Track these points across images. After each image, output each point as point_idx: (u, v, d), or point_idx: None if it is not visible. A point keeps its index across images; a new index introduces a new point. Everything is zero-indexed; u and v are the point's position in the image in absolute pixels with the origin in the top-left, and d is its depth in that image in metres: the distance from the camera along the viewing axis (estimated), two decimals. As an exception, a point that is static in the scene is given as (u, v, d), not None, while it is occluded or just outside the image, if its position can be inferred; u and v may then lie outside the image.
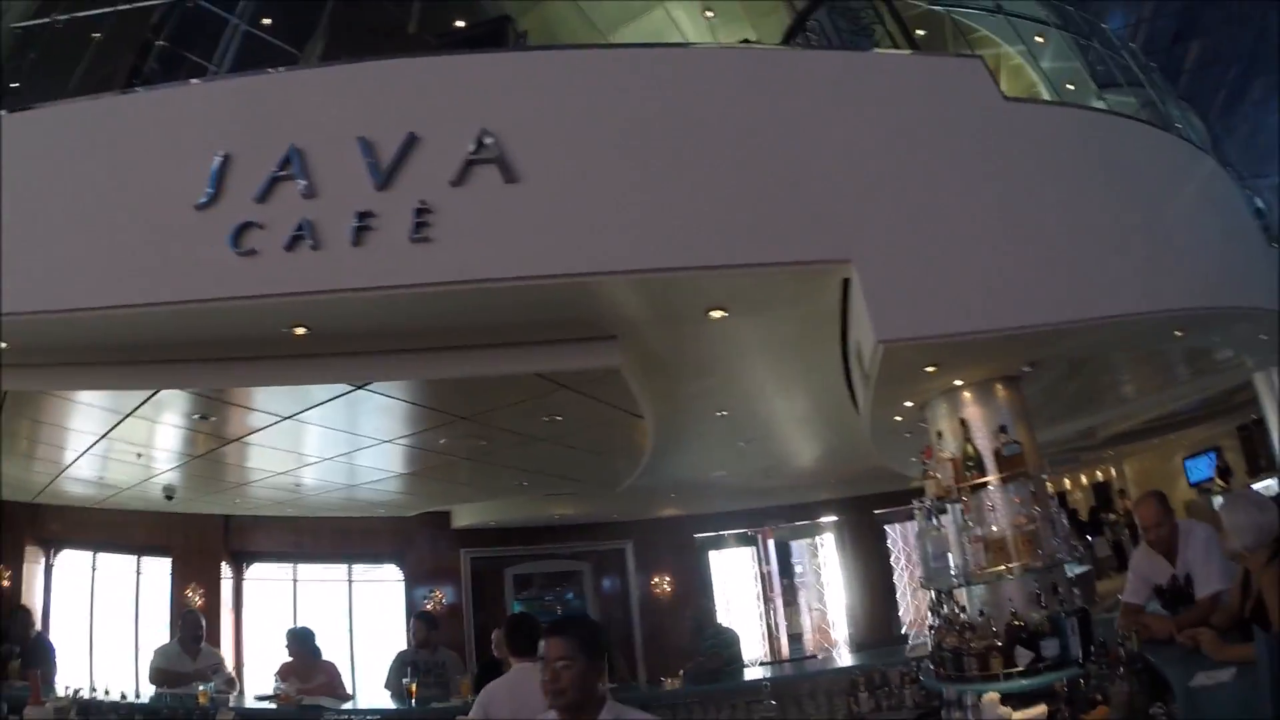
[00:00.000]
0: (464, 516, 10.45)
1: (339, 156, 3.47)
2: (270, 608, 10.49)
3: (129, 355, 4.05)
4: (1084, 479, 20.43)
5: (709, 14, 8.79)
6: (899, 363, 3.76)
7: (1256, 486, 13.82)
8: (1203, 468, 19.06)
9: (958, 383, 4.48)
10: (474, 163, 3.41)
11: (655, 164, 3.57)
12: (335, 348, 4.05)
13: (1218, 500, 16.35)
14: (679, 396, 5.50)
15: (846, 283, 3.74)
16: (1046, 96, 7.12)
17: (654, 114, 3.67)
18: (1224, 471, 17.50)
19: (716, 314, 3.91)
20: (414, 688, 6.02)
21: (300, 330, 3.74)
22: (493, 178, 3.41)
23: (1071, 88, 7.84)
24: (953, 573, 4.38)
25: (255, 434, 5.59)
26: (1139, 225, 4.65)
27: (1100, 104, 7.49)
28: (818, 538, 13.22)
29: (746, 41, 7.58)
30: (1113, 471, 20.50)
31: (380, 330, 3.89)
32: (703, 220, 3.49)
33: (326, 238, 3.38)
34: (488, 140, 3.43)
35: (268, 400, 4.84)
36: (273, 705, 5.92)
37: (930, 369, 4.04)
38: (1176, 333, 5.12)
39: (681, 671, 6.60)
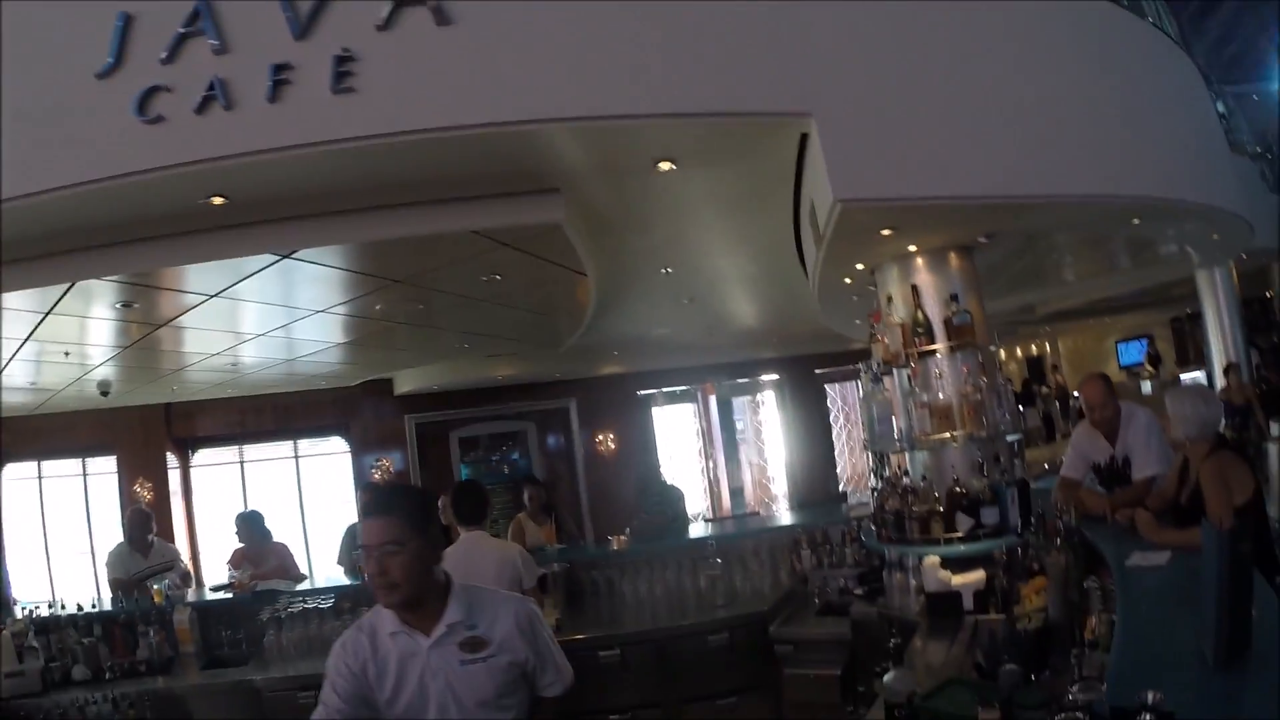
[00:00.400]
0: (406, 382, 10.42)
1: (253, 6, 3.12)
2: (219, 493, 10.52)
3: (40, 248, 3.75)
4: (1019, 352, 21.30)
5: None
6: (855, 224, 3.65)
7: (1185, 377, 14.47)
8: (1134, 352, 20.09)
9: (912, 248, 4.42)
10: (403, 4, 3.08)
11: (600, 2, 3.26)
12: (258, 215, 3.77)
13: (1146, 385, 17.22)
14: (623, 253, 5.36)
15: (804, 138, 3.58)
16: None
17: None
18: (1154, 358, 18.39)
19: (664, 166, 3.72)
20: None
21: (219, 200, 3.46)
22: (424, 21, 3.09)
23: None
24: (897, 437, 4.45)
25: (185, 315, 5.35)
26: (1111, 109, 4.54)
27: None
28: (759, 395, 13.60)
29: None
30: (1047, 347, 21.41)
31: (305, 193, 3.61)
32: (652, 65, 3.23)
33: (241, 96, 3.06)
34: (417, -20, 3.10)
35: (194, 278, 4.54)
36: (228, 595, 5.89)
37: (886, 232, 3.95)
38: (1134, 220, 5.14)
39: (627, 529, 6.71)
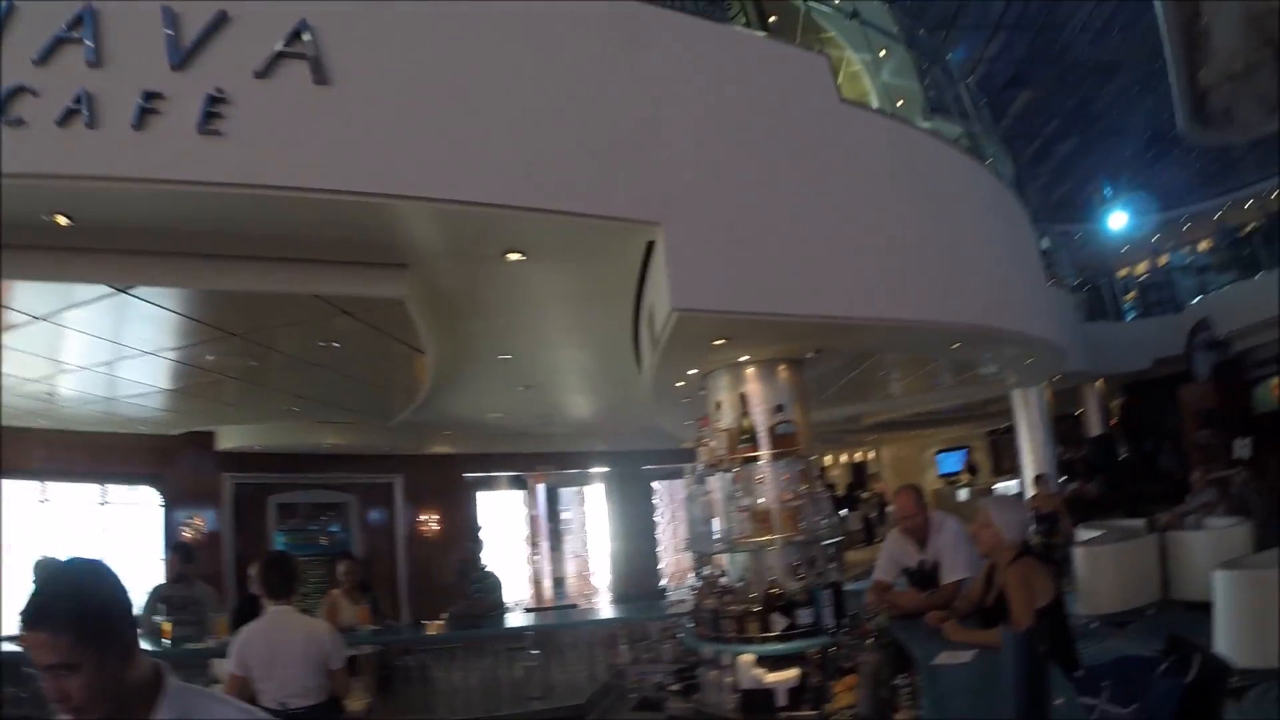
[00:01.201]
0: (229, 438, 9.77)
1: (137, 24, 3.02)
2: (16, 530, 9.42)
3: None
4: (844, 458, 22.56)
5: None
6: (690, 332, 3.81)
7: (998, 486, 15.66)
8: (952, 462, 21.85)
9: (744, 358, 4.64)
10: (285, 56, 3.06)
11: (476, 93, 3.35)
12: (102, 243, 3.56)
13: (963, 492, 18.57)
14: (464, 335, 5.35)
15: (651, 245, 3.74)
16: (878, 107, 7.43)
17: (485, 42, 3.44)
18: (972, 468, 19.88)
19: (514, 256, 3.80)
20: (167, 626, 5.66)
21: (63, 220, 3.26)
22: (301, 76, 3.07)
23: (902, 104, 8.26)
24: (717, 538, 4.56)
25: (5, 333, 4.88)
26: (938, 242, 4.98)
27: (926, 125, 7.96)
28: (586, 487, 13.56)
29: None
30: (871, 454, 22.78)
31: (153, 228, 3.45)
32: (514, 158, 3.32)
33: (106, 116, 2.93)
34: (305, 35, 3.08)
35: (22, 296, 4.22)
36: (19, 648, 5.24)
37: (720, 342, 4.14)
38: (954, 344, 5.56)
39: (444, 615, 6.52)
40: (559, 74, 3.54)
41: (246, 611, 4.66)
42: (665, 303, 3.52)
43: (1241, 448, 13.12)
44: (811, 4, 6.94)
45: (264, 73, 3.04)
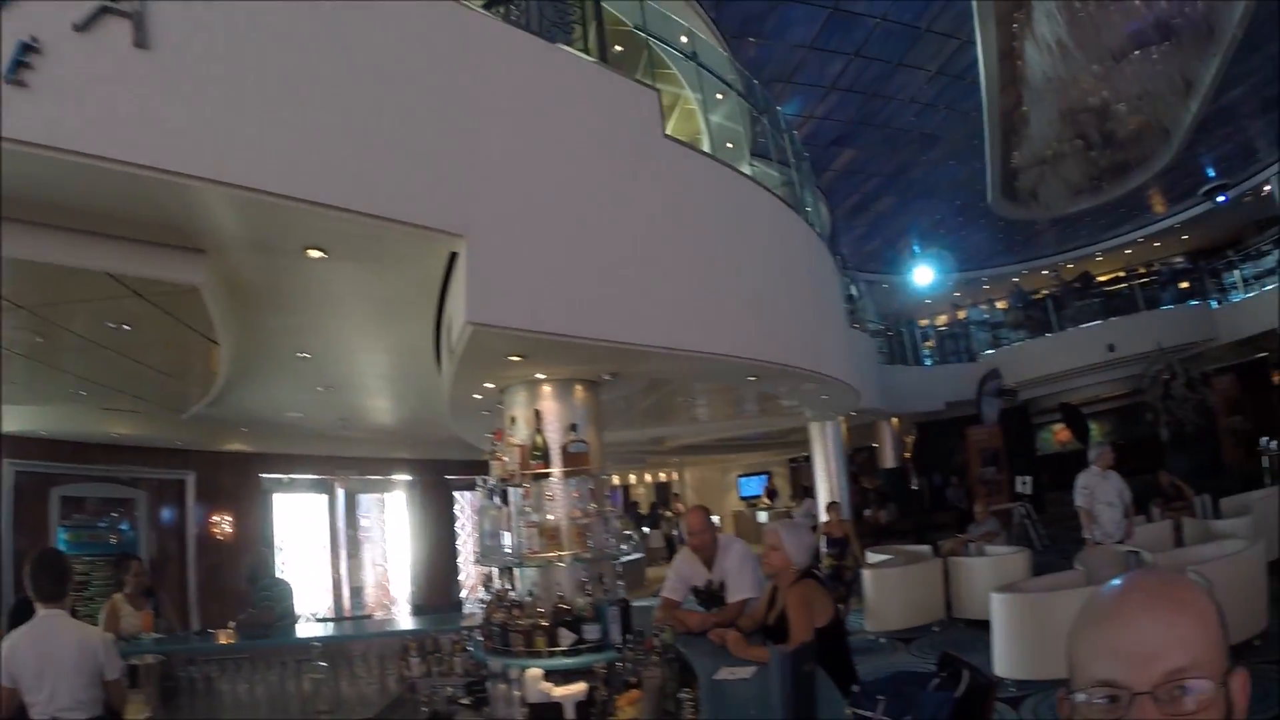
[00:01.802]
0: (10, 420, 8.82)
1: None
2: None
3: None
4: (649, 477, 23.37)
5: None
6: (485, 347, 3.83)
7: (796, 511, 16.64)
8: (754, 486, 23.18)
9: (540, 376, 4.70)
10: (109, 11, 2.80)
11: (289, 82, 3.22)
12: None
13: (762, 515, 19.59)
14: (261, 329, 5.13)
15: (454, 256, 3.74)
16: (707, 146, 7.78)
17: (307, 32, 3.32)
18: (772, 493, 21.09)
19: (314, 254, 3.69)
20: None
21: None
22: (122, 37, 2.82)
23: (730, 146, 8.69)
24: (507, 552, 4.58)
25: None
26: (743, 281, 5.25)
27: (748, 168, 8.41)
28: (387, 494, 13.22)
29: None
30: (675, 475, 23.72)
31: None
32: (322, 153, 3.22)
33: None
34: (136, -10, 2.83)
35: None
36: None
37: (515, 358, 4.17)
38: (750, 377, 5.87)
39: (232, 623, 6.24)
40: (377, 72, 3.47)
41: (21, 615, 4.26)
42: (461, 315, 3.53)
43: (1023, 484, 14.55)
44: (653, 41, 7.17)
45: (84, 26, 2.77)
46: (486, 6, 6.33)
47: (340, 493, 12.39)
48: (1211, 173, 17.46)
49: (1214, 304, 17.15)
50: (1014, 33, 12.08)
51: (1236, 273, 17.12)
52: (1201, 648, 0.97)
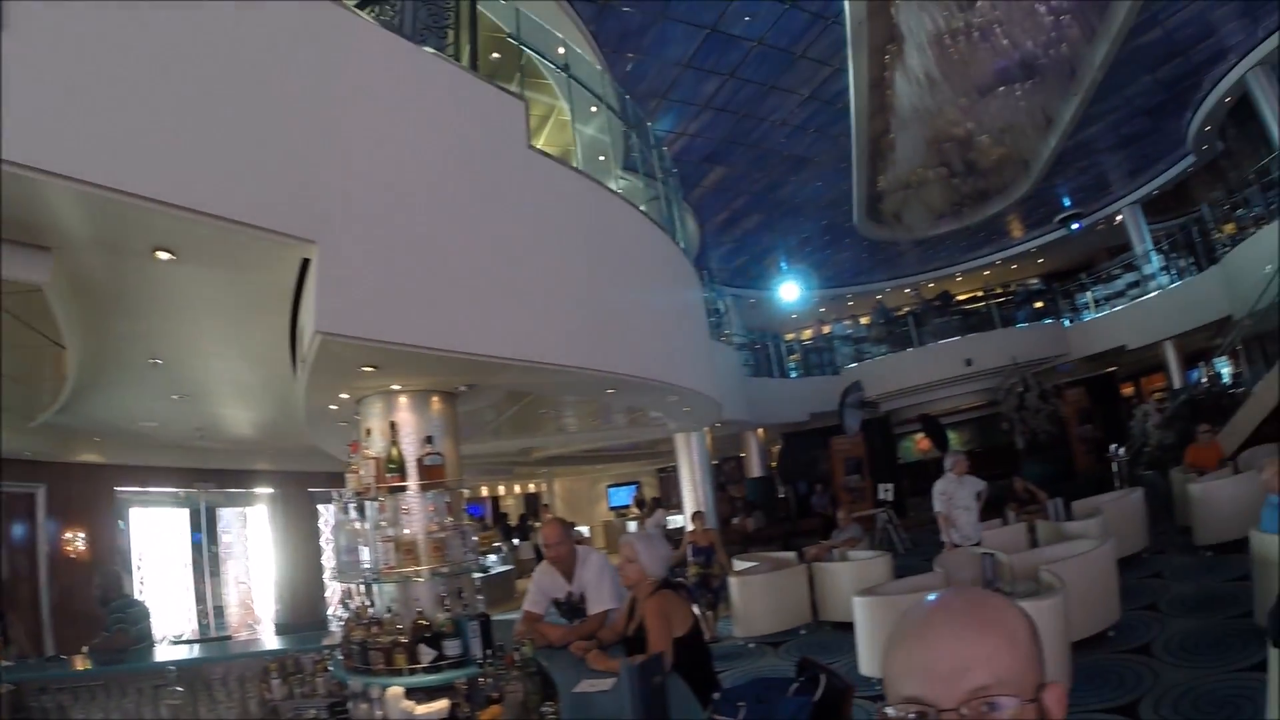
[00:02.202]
0: None
1: None
2: None
3: None
4: (518, 489, 23.33)
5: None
6: (335, 356, 3.74)
7: (671, 518, 16.95)
8: (623, 496, 23.42)
9: (396, 386, 4.62)
10: None
11: (141, 73, 3.01)
12: None
13: (632, 525, 19.82)
14: (111, 333, 4.86)
15: (306, 263, 3.63)
16: (579, 158, 7.83)
17: (163, 22, 3.09)
18: (640, 502, 21.40)
19: (163, 255, 3.50)
20: None
21: None
22: None
23: (602, 159, 8.78)
24: (365, 567, 4.49)
25: None
26: (603, 294, 5.28)
27: (618, 182, 8.52)
28: (249, 508, 12.61)
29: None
30: (545, 486, 23.77)
31: None
32: (171, 150, 3.04)
33: None
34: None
35: None
36: None
37: (367, 369, 4.09)
38: (610, 390, 5.94)
39: (85, 648, 5.86)
40: (232, 67, 3.30)
41: None
42: (312, 324, 3.43)
43: (885, 491, 15.26)
44: (528, 51, 7.18)
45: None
46: (360, 6, 6.22)
47: (202, 505, 11.69)
48: (1067, 201, 19.05)
49: (1066, 323, 18.83)
50: (885, 63, 12.71)
51: (1089, 294, 18.90)
52: (1007, 665, 0.98)
